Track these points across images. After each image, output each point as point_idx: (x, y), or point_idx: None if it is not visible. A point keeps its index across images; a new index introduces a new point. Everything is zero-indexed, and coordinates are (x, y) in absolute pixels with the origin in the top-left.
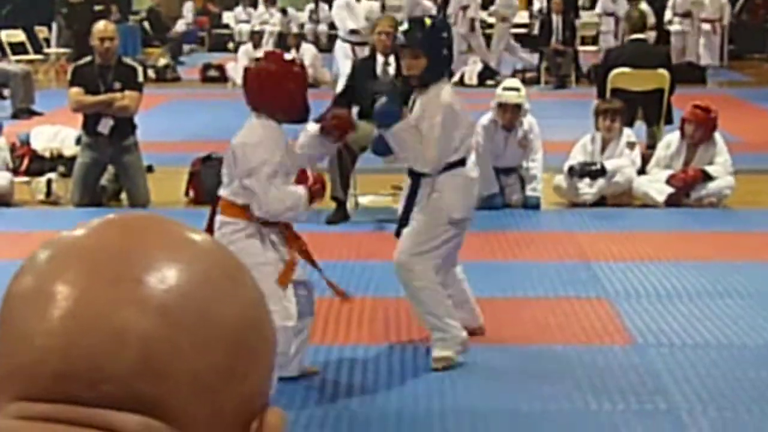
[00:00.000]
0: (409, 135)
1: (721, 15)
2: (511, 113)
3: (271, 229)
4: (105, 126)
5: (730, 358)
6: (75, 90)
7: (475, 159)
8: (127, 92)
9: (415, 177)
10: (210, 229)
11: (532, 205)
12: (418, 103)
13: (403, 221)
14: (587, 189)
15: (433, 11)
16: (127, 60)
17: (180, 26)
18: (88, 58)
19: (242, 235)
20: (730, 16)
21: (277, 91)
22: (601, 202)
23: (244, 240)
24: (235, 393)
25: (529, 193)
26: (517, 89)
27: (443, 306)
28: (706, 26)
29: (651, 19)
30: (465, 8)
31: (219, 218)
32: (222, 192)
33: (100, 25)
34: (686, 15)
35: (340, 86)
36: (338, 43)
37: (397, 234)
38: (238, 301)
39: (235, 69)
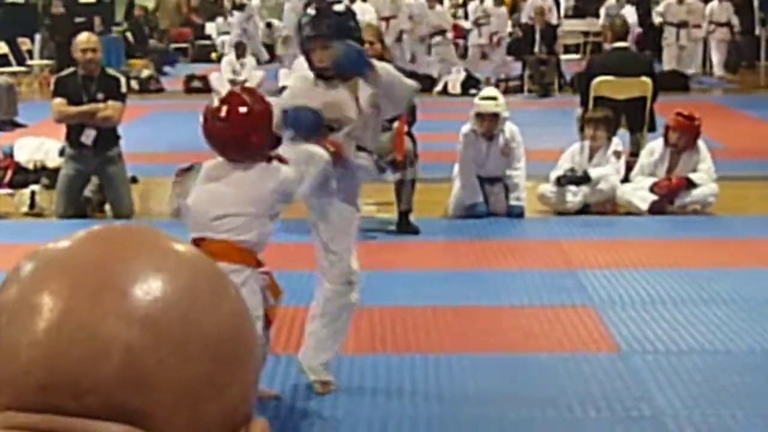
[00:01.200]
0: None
1: (728, 20)
2: (488, 122)
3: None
4: (88, 137)
5: (714, 364)
6: (58, 101)
7: (458, 168)
8: (110, 102)
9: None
10: None
11: (515, 213)
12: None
13: None
14: (571, 197)
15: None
16: (110, 71)
17: (234, 35)
18: (71, 70)
19: (250, 284)
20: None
21: (262, 135)
22: (584, 210)
23: (251, 293)
24: (218, 403)
25: (512, 202)
26: (494, 98)
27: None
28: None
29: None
30: (388, 19)
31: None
32: (219, 235)
33: (83, 37)
34: (682, 25)
35: None
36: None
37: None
38: (221, 311)
39: (219, 80)
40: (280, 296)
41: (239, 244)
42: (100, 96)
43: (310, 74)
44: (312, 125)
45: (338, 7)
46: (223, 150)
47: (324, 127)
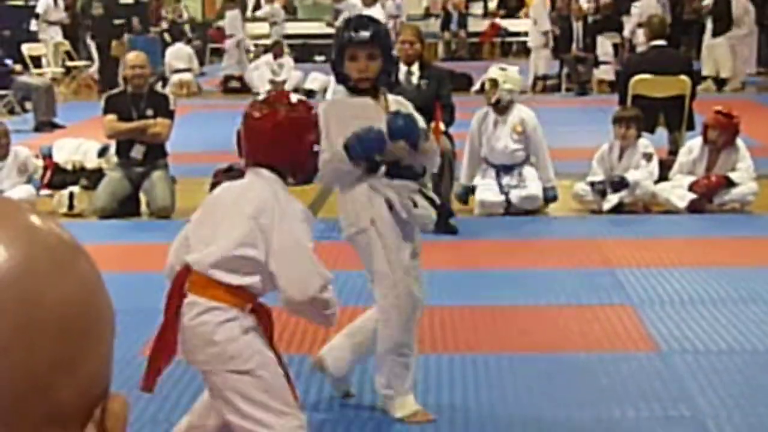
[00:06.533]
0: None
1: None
2: (489, 88)
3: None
4: (138, 152)
5: (754, 363)
6: (109, 117)
7: (467, 148)
8: (159, 119)
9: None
10: (172, 309)
11: (549, 197)
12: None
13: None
14: (607, 196)
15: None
16: (159, 89)
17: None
18: (121, 88)
19: (237, 326)
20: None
21: (299, 143)
22: (618, 208)
23: (243, 334)
24: (72, 384)
25: (545, 184)
26: (503, 68)
27: None
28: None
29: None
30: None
31: (194, 299)
32: (202, 266)
33: (131, 55)
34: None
35: None
36: None
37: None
38: (66, 283)
39: (260, 78)
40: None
41: (224, 283)
42: (149, 113)
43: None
44: (380, 144)
45: (377, 17)
46: (254, 146)
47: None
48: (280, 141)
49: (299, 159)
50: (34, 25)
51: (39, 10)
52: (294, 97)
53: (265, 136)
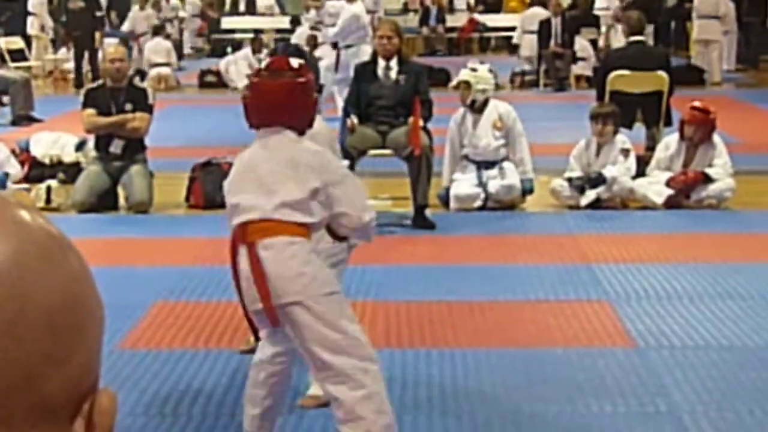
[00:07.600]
0: None
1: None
2: (462, 90)
3: None
4: (117, 147)
5: (731, 359)
6: (88, 112)
7: (448, 150)
8: (138, 114)
9: None
10: (253, 258)
11: (527, 189)
12: None
13: None
14: (585, 192)
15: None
16: (138, 82)
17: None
18: (100, 82)
19: (316, 255)
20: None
21: (309, 103)
22: (595, 204)
23: (323, 261)
24: (59, 379)
25: (522, 176)
26: (474, 69)
27: None
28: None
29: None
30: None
31: (269, 241)
32: (267, 213)
33: (111, 48)
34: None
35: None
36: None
37: None
38: (55, 277)
39: (237, 72)
40: None
41: (292, 222)
42: (128, 107)
43: None
44: None
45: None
46: (272, 109)
47: None
48: (294, 103)
49: (308, 116)
50: (30, 25)
51: (32, 3)
52: (294, 62)
53: (281, 99)
